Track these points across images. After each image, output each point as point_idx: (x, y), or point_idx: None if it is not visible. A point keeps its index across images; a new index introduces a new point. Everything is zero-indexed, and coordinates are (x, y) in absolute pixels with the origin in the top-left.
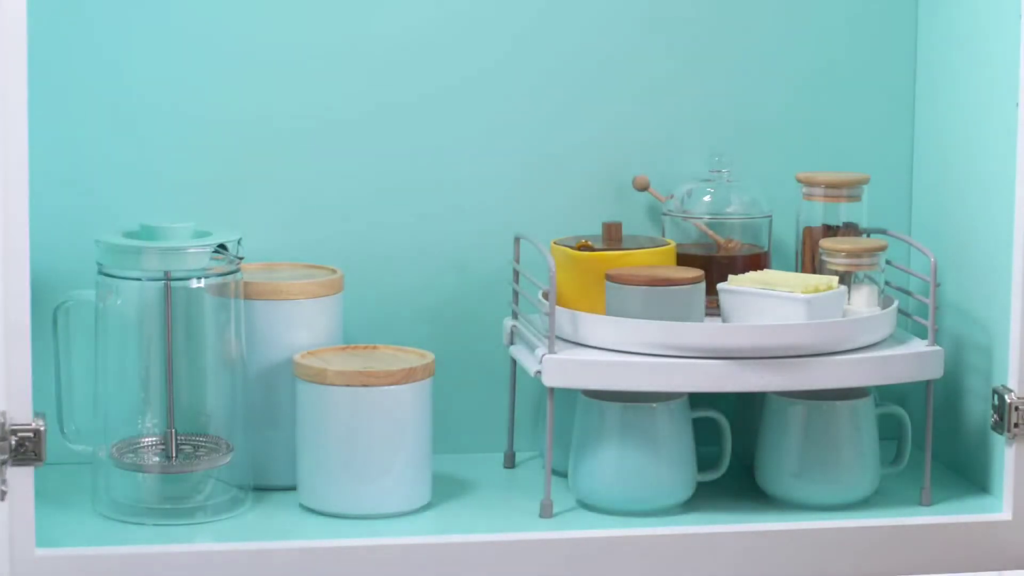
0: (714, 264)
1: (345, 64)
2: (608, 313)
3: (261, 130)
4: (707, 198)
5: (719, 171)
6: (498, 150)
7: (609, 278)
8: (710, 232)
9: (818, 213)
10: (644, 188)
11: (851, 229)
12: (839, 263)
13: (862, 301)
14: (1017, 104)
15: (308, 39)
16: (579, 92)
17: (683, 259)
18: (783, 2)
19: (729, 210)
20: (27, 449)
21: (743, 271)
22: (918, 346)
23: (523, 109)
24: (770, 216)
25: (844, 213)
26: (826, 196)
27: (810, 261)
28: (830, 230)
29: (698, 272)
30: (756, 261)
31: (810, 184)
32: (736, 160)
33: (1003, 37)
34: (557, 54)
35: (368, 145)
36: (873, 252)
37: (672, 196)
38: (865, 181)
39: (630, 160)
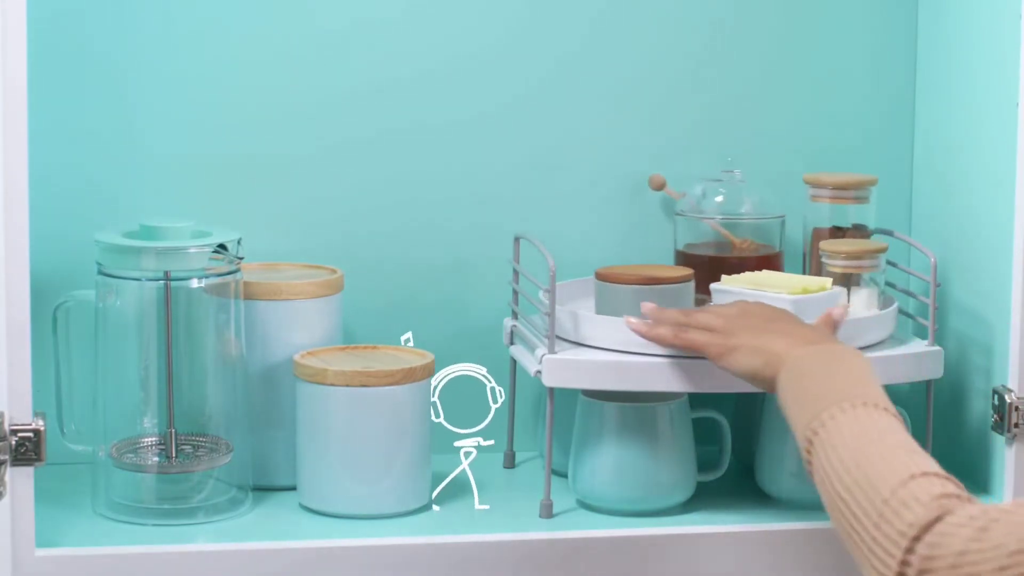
0: (727, 264)
1: (346, 64)
2: (598, 312)
3: (262, 130)
4: (720, 198)
5: (731, 171)
6: (499, 150)
7: (598, 276)
8: (724, 232)
9: (825, 214)
10: (660, 188)
11: (860, 231)
12: (838, 265)
13: (862, 303)
14: (1017, 104)
15: (309, 38)
16: (581, 92)
17: (695, 259)
18: (786, 5)
19: (742, 210)
20: (27, 449)
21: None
22: (918, 346)
23: (524, 108)
24: (782, 217)
25: (852, 215)
26: (832, 198)
27: (816, 263)
28: (838, 231)
29: (687, 271)
30: (768, 262)
31: (816, 185)
32: (740, 161)
33: (1003, 37)
34: (560, 54)
35: (369, 145)
36: (873, 254)
37: (685, 194)
38: (873, 183)
39: (632, 160)
